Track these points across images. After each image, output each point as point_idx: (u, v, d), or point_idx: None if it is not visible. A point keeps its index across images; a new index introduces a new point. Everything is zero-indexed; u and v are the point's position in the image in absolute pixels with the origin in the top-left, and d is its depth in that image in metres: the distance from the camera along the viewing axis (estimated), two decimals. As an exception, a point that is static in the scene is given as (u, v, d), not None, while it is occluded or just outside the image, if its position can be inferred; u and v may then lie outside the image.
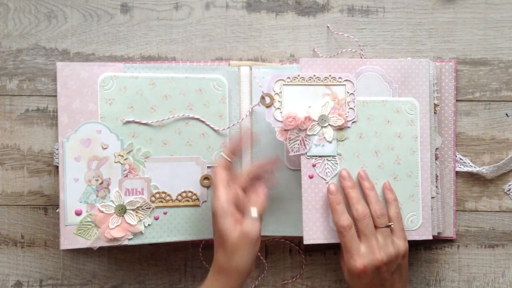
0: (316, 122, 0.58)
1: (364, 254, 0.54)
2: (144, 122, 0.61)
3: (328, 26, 0.66)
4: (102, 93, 0.61)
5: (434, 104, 0.62)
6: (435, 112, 0.62)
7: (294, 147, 0.58)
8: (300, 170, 0.62)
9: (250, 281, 0.67)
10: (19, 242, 0.66)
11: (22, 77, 0.65)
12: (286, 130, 0.58)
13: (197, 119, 0.62)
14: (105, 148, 0.60)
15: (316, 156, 0.58)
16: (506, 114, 0.65)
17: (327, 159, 0.58)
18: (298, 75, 0.58)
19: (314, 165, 0.58)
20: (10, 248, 0.66)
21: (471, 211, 0.66)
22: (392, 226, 0.56)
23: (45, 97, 0.65)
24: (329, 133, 0.58)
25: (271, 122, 0.58)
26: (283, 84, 0.58)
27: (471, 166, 0.64)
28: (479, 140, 0.65)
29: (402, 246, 0.56)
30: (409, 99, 0.59)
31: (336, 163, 0.58)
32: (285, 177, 0.63)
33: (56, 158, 0.61)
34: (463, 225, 0.66)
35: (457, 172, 0.64)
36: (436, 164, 0.62)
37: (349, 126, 0.58)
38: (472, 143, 0.65)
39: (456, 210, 0.65)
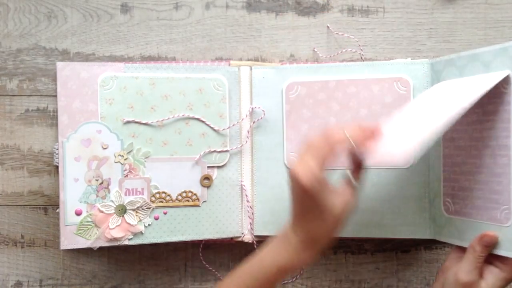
0: None
1: None
2: (144, 122, 0.61)
3: (328, 26, 0.66)
4: (102, 93, 0.61)
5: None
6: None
7: None
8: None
9: (250, 281, 0.67)
10: (19, 242, 0.66)
11: (22, 77, 0.65)
12: None
13: (197, 119, 0.62)
14: (105, 148, 0.60)
15: None
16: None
17: None
18: None
19: None
20: (10, 248, 0.66)
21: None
22: None
23: (45, 97, 0.65)
24: None
25: None
26: None
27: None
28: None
29: None
30: None
31: None
32: (285, 177, 0.63)
33: (56, 158, 0.61)
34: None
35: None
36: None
37: None
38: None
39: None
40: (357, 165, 0.51)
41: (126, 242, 0.61)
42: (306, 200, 0.47)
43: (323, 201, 0.47)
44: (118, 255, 0.67)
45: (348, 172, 0.50)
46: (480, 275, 0.51)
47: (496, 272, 0.51)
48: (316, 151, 0.47)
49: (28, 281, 0.66)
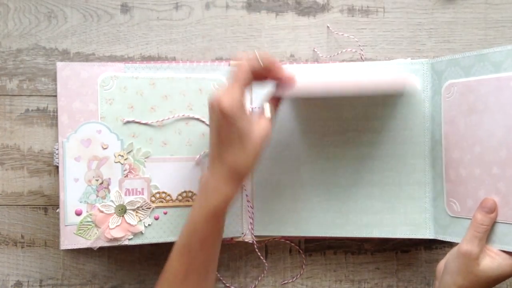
0: None
1: None
2: (144, 122, 0.61)
3: (328, 26, 0.66)
4: (102, 93, 0.61)
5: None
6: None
7: None
8: (301, 168, 0.62)
9: (250, 281, 0.67)
10: (19, 242, 0.66)
11: (22, 77, 0.65)
12: None
13: (197, 119, 0.62)
14: (105, 148, 0.60)
15: None
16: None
17: None
18: None
19: None
20: (10, 248, 0.66)
21: (471, 211, 0.66)
22: None
23: (45, 97, 0.65)
24: None
25: None
26: None
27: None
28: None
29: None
30: None
31: None
32: (285, 176, 0.63)
33: (56, 158, 0.61)
34: (463, 225, 0.66)
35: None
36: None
37: None
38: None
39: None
40: (276, 97, 0.53)
41: (126, 242, 0.61)
42: (226, 127, 0.48)
43: (242, 128, 0.48)
44: (118, 255, 0.67)
45: (266, 104, 0.53)
46: (483, 249, 0.51)
47: (506, 258, 0.51)
48: (239, 80, 0.49)
49: (28, 281, 0.66)
